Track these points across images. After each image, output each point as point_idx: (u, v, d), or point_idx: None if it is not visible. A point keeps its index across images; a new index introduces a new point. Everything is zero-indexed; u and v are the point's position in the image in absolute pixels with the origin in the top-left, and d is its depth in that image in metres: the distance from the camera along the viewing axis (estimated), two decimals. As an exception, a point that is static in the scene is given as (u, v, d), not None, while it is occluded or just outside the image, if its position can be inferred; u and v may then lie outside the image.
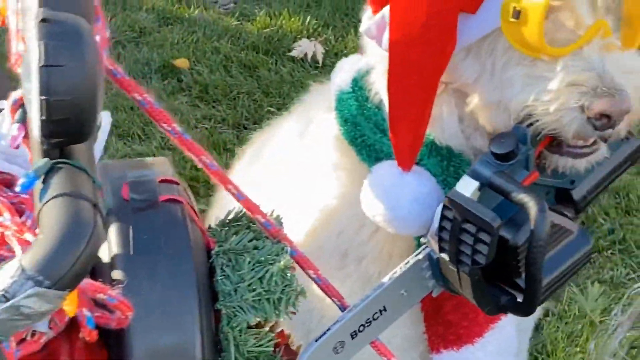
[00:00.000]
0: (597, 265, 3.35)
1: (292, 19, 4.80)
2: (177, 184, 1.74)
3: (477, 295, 1.63)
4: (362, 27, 1.68)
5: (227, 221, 1.80)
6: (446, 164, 1.70)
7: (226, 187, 1.70)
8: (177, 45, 4.51)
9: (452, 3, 1.55)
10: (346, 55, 4.22)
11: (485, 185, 1.53)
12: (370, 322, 1.71)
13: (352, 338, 1.71)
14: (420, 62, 1.60)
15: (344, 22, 4.83)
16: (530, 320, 2.14)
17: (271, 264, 1.71)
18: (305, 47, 4.45)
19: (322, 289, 1.75)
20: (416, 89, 1.62)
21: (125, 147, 3.79)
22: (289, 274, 1.70)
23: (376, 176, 1.71)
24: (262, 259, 1.72)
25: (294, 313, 1.66)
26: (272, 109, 4.01)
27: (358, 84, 1.77)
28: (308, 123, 1.93)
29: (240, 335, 1.65)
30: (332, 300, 1.73)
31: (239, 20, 4.86)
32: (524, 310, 1.61)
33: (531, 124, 1.53)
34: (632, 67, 1.53)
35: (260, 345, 1.68)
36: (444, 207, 1.56)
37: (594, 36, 1.51)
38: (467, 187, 1.57)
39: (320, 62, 4.42)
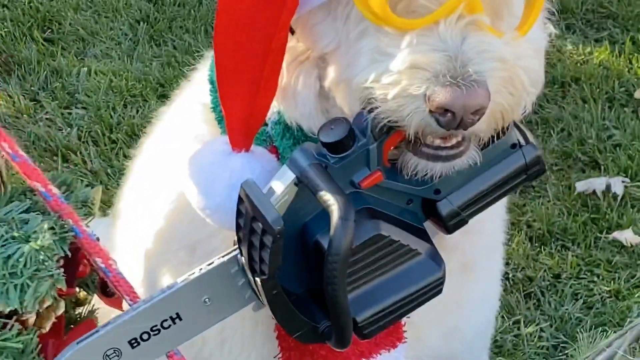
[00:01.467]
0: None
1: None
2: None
3: (278, 314, 1.48)
4: None
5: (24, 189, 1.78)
6: None
7: None
8: None
9: None
10: None
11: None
12: (159, 330, 1.54)
13: (132, 347, 1.55)
14: (251, 15, 1.44)
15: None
16: None
17: (28, 242, 1.63)
18: None
19: (110, 282, 1.67)
20: (247, 50, 1.46)
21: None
22: (42, 256, 1.62)
23: (200, 152, 1.57)
24: (17, 234, 1.64)
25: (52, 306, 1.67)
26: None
27: None
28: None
29: None
30: (123, 297, 1.66)
31: None
32: (337, 340, 1.46)
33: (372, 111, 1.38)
34: (502, 54, 1.33)
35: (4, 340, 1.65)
36: (239, 199, 1.41)
37: (455, 9, 1.32)
38: (282, 178, 1.43)
39: None
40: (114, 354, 1.57)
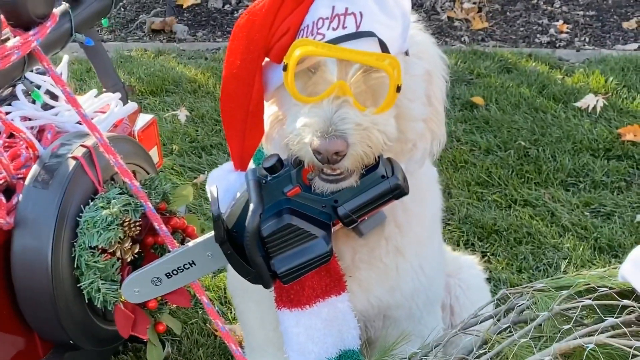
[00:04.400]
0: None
1: (597, 79, 5.37)
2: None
3: (234, 265, 1.95)
4: None
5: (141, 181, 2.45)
6: None
7: (108, 154, 2.31)
8: (491, 88, 5.31)
9: (256, 53, 1.89)
10: (623, 110, 4.98)
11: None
12: (183, 269, 2.06)
13: (168, 277, 2.08)
14: (234, 94, 1.92)
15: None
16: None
17: (108, 208, 2.36)
18: (589, 101, 5.00)
19: (164, 238, 2.28)
20: (234, 114, 1.95)
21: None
22: (110, 218, 2.31)
23: (216, 170, 2.09)
24: (102, 204, 2.37)
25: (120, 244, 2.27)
26: (523, 143, 4.66)
27: None
28: None
29: (83, 250, 2.36)
30: (170, 250, 2.17)
31: (553, 69, 5.58)
32: (262, 283, 1.94)
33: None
34: (357, 121, 1.76)
35: (95, 262, 2.34)
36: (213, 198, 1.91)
37: (332, 92, 1.75)
38: (242, 188, 1.91)
39: (597, 114, 4.91)
40: (157, 280, 2.06)
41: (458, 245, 3.74)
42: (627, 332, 1.74)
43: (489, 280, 3.10)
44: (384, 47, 1.79)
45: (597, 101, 4.96)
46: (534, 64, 5.75)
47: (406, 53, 1.92)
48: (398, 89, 1.79)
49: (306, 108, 1.78)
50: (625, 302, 1.84)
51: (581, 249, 3.69)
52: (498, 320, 2.04)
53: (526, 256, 3.70)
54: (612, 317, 1.80)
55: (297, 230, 1.86)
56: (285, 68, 1.78)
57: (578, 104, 5.01)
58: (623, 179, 4.31)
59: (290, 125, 1.82)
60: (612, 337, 1.74)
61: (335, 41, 1.77)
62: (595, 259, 3.62)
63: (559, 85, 5.34)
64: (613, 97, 5.11)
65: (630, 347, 1.68)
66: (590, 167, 4.41)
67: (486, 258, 3.66)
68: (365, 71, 1.81)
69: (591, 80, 5.38)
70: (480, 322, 2.11)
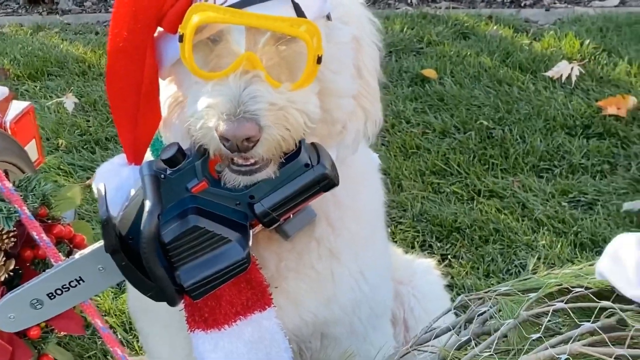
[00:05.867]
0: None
1: (571, 43, 5.46)
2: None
3: (131, 279, 1.95)
4: None
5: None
6: None
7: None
8: (445, 59, 5.40)
9: (146, 22, 1.89)
10: (603, 79, 4.98)
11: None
12: (69, 288, 2.04)
13: (51, 298, 2.05)
14: (122, 72, 1.94)
15: (627, 49, 5.32)
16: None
17: None
18: (562, 69, 5.09)
19: (45, 250, 2.19)
20: (123, 96, 1.96)
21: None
22: None
23: (106, 163, 2.10)
24: None
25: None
26: (486, 123, 4.71)
27: None
28: None
29: None
30: (54, 265, 2.13)
31: (518, 34, 5.69)
32: (166, 300, 1.94)
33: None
34: (271, 99, 1.78)
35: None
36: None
37: (239, 66, 1.77)
38: (137, 184, 1.91)
39: (573, 84, 5.00)
40: (38, 303, 2.04)
41: (412, 247, 3.77)
42: (607, 339, 1.74)
43: (450, 287, 3.15)
44: (299, 11, 1.81)
45: (571, 69, 5.05)
46: (495, 27, 5.83)
47: (328, 17, 1.93)
48: (319, 60, 1.81)
49: (209, 86, 1.79)
50: (604, 303, 1.84)
51: (559, 246, 3.73)
52: (457, 332, 2.06)
53: (494, 257, 3.72)
54: (589, 321, 1.81)
55: (205, 234, 1.86)
56: (181, 39, 1.79)
57: (549, 74, 5.10)
58: (606, 160, 4.36)
59: (191, 108, 1.83)
60: (589, 345, 1.74)
61: (241, 5, 1.78)
62: (576, 257, 3.64)
63: (526, 52, 5.41)
64: (591, 64, 5.19)
65: (611, 356, 1.69)
66: (566, 148, 4.45)
67: (447, 261, 3.70)
68: (278, 40, 1.83)
69: (564, 45, 5.47)
70: (436, 337, 2.12)
